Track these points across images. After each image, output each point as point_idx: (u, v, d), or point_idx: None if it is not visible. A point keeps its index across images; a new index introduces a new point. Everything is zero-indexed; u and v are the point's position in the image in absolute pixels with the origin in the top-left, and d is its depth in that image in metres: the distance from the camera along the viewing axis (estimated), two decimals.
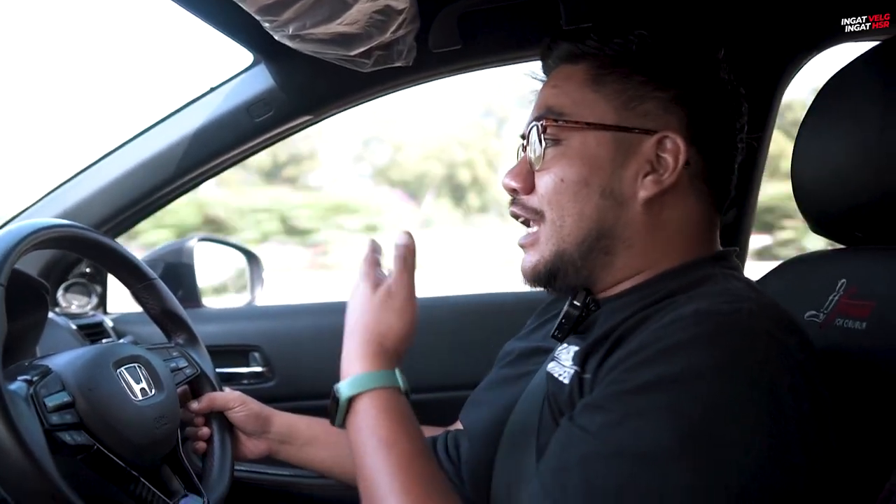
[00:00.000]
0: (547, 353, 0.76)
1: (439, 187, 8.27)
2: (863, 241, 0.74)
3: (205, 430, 0.94)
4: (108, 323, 1.39)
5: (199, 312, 1.48)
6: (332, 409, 0.65)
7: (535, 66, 0.79)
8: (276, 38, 0.95)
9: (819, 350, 0.57)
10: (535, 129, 0.69)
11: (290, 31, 0.91)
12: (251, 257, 1.68)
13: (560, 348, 0.71)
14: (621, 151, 0.67)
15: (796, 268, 0.82)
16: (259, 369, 1.42)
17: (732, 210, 1.23)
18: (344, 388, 0.64)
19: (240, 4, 0.86)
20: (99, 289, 1.41)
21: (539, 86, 0.75)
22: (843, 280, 0.71)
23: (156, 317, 0.96)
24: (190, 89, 1.34)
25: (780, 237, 5.09)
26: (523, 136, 0.73)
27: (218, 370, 1.00)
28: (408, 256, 0.70)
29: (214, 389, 0.96)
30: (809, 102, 0.77)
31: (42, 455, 0.62)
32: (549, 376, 0.69)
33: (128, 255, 0.91)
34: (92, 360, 0.76)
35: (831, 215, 0.76)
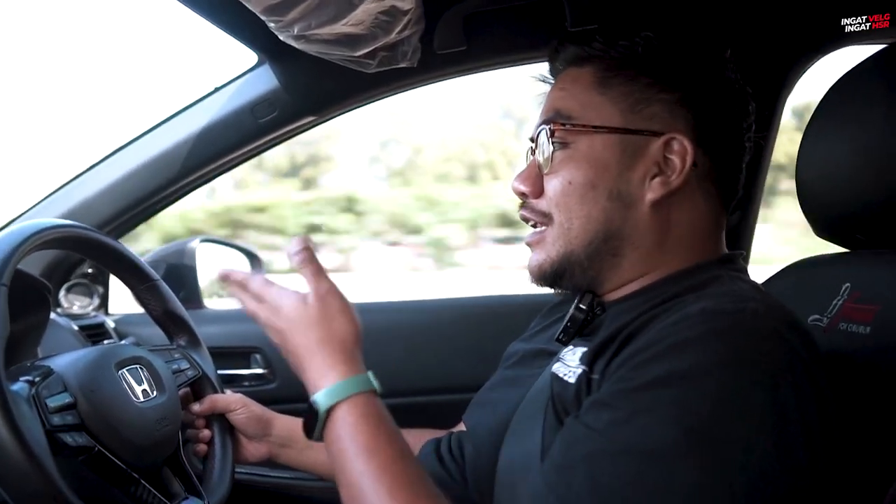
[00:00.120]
0: (552, 355, 0.75)
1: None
2: (864, 245, 0.74)
3: (206, 433, 0.93)
4: (110, 324, 1.38)
5: (200, 314, 1.48)
6: (310, 423, 0.64)
7: (541, 68, 0.79)
8: (281, 38, 0.95)
9: (823, 354, 0.56)
10: (543, 132, 0.70)
11: (296, 31, 0.91)
12: (252, 258, 1.68)
13: (565, 350, 0.71)
14: (628, 154, 0.67)
15: (800, 271, 0.81)
16: (260, 371, 1.42)
17: (737, 212, 1.23)
18: (322, 399, 0.63)
19: (245, 4, 0.86)
20: (101, 290, 1.41)
21: (547, 88, 0.75)
22: (847, 284, 0.70)
23: (158, 318, 0.96)
24: (194, 89, 1.34)
25: None
26: (532, 140, 0.73)
27: (219, 372, 1.00)
28: (312, 259, 0.68)
29: (216, 391, 0.96)
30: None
31: (43, 456, 0.62)
32: (554, 376, 0.68)
33: (131, 255, 0.91)
34: (94, 362, 0.75)
35: (833, 217, 0.76)
